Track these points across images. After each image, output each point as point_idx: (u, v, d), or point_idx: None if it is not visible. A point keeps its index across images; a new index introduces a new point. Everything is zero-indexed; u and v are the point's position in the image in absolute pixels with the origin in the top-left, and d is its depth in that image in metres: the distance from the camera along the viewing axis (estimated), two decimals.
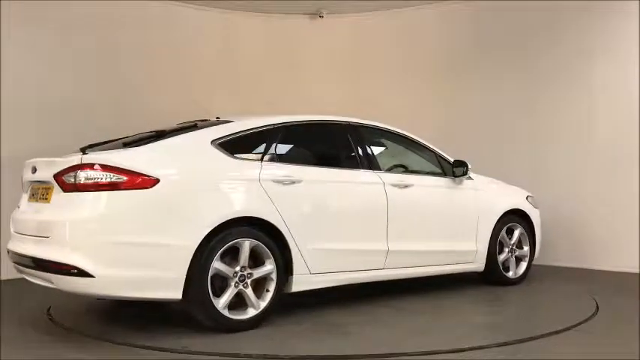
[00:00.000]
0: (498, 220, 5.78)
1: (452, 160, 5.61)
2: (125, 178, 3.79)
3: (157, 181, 3.84)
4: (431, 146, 5.63)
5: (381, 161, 5.22)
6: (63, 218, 3.80)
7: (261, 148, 4.52)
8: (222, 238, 4.02)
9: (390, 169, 5.32)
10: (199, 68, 7.95)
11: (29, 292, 5.75)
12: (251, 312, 4.15)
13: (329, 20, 8.40)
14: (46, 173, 4.06)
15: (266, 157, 4.47)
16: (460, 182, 5.58)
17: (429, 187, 5.43)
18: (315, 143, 5.10)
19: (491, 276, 5.83)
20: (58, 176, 3.92)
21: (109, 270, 3.68)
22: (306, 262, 4.45)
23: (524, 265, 6.04)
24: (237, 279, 4.09)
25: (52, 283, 3.86)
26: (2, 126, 6.44)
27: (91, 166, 3.80)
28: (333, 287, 4.76)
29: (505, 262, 5.89)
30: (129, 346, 3.85)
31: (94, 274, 3.64)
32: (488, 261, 5.71)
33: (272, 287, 4.24)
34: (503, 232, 5.84)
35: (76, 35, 7.01)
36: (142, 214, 3.81)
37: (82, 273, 3.64)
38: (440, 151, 5.66)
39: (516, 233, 5.97)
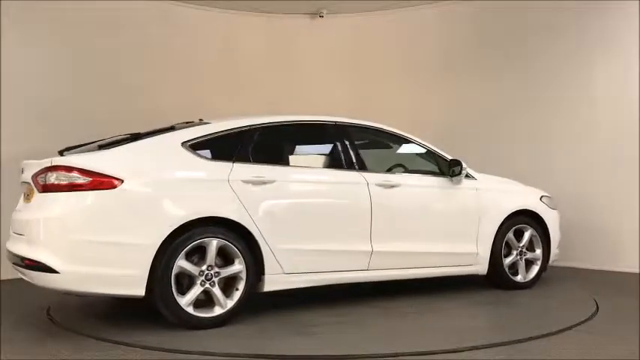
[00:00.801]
0: (504, 222, 5.56)
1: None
2: (90, 179, 3.96)
3: (121, 182, 4.00)
4: (429, 145, 5.54)
5: (368, 161, 5.17)
6: (34, 217, 4.05)
7: (235, 149, 4.56)
8: (187, 237, 4.12)
9: (378, 169, 5.24)
10: (199, 68, 7.95)
11: (29, 292, 5.73)
12: (218, 310, 4.22)
13: (329, 20, 8.40)
14: (28, 174, 4.27)
15: (239, 158, 4.52)
16: (458, 182, 5.41)
17: (420, 186, 5.32)
18: (295, 144, 5.19)
19: (497, 279, 5.60)
20: (34, 177, 4.16)
21: (74, 267, 3.87)
22: (280, 261, 4.48)
23: (535, 269, 5.76)
24: (203, 278, 4.17)
25: (30, 278, 4.09)
26: (2, 126, 6.44)
27: (58, 168, 4.01)
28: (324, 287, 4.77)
29: (514, 265, 5.67)
30: (129, 346, 3.85)
31: (58, 270, 3.84)
32: (493, 264, 5.51)
33: (241, 286, 4.30)
34: (511, 233, 5.62)
35: (75, 35, 7.02)
36: (106, 214, 3.97)
37: (49, 269, 3.85)
38: (439, 151, 5.55)
39: (526, 235, 5.72)
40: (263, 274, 4.44)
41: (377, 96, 8.27)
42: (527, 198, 5.88)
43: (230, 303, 4.26)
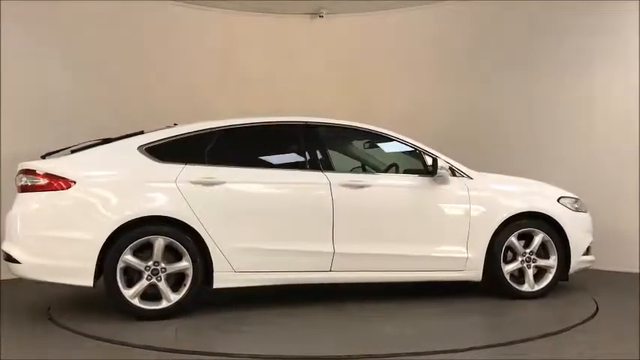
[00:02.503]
0: (504, 224, 5.17)
1: (447, 159, 5.26)
2: (47, 181, 4.46)
3: (74, 183, 4.44)
4: (416, 144, 5.27)
5: (337, 161, 5.14)
6: (8, 215, 4.58)
7: (191, 151, 4.80)
8: (133, 234, 4.45)
9: (350, 169, 5.17)
10: (199, 68, 7.95)
11: (29, 292, 5.75)
12: (164, 303, 4.50)
13: (329, 20, 8.40)
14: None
15: (194, 160, 4.73)
16: (444, 181, 5.11)
17: (395, 186, 5.12)
18: (257, 146, 5.17)
19: (498, 288, 5.23)
20: (15, 179, 4.67)
21: (32, 258, 4.41)
22: (229, 260, 4.64)
23: (548, 278, 5.26)
24: (149, 272, 4.47)
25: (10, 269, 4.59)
26: (2, 126, 6.43)
27: (26, 171, 4.55)
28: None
29: (522, 273, 5.23)
30: (128, 346, 3.86)
31: (20, 261, 4.42)
32: (490, 270, 5.12)
33: (188, 282, 4.54)
34: (514, 237, 5.20)
35: (75, 35, 7.02)
36: (58, 212, 4.46)
37: (15, 260, 4.43)
38: (428, 149, 5.25)
39: (536, 240, 5.24)
40: (212, 271, 4.63)
41: (377, 96, 8.27)
42: (536, 199, 5.37)
43: (176, 297, 4.51)
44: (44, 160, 4.70)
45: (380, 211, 5.01)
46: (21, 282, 5.69)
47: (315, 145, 5.09)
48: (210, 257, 4.60)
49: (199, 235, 4.57)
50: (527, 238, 5.29)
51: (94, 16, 7.12)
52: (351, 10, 8.27)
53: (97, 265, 4.37)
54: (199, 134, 4.87)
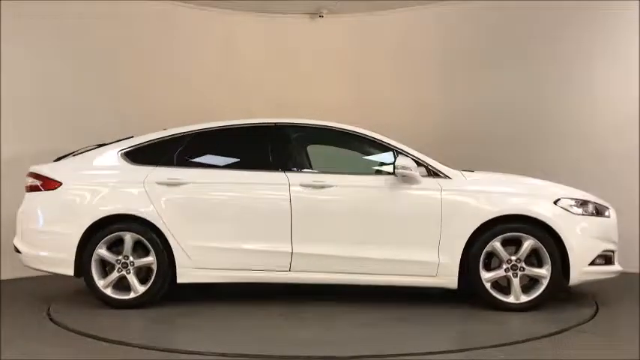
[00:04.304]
0: (483, 229, 4.75)
1: (424, 158, 5.02)
2: (41, 182, 5.12)
3: (60, 184, 5.05)
4: (391, 143, 5.06)
5: (303, 161, 5.17)
6: (17, 212, 5.22)
7: (161, 154, 5.16)
8: (106, 230, 4.95)
9: (318, 169, 5.14)
10: (199, 68, 7.95)
11: (29, 292, 5.75)
12: (132, 294, 4.93)
13: (329, 20, 8.40)
14: None
15: (164, 162, 5.11)
16: (413, 181, 4.85)
17: (359, 187, 4.96)
18: (223, 147, 5.32)
19: (479, 297, 4.84)
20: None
21: (29, 249, 5.12)
22: (189, 257, 4.93)
23: (539, 289, 4.75)
24: (120, 265, 4.93)
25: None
26: (2, 126, 6.43)
27: (30, 173, 5.22)
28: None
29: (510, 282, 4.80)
30: (128, 346, 3.86)
31: (21, 252, 5.15)
32: (469, 277, 4.78)
33: (153, 276, 4.92)
34: (497, 242, 4.75)
35: (75, 35, 7.01)
36: (47, 209, 5.11)
37: (18, 250, 5.17)
38: (407, 150, 5.03)
39: (525, 246, 4.74)
40: (174, 266, 4.94)
41: (376, 96, 8.26)
42: (523, 201, 4.85)
43: (143, 289, 4.90)
44: (42, 165, 5.26)
45: (341, 211, 4.94)
46: (21, 282, 5.80)
47: (282, 145, 5.15)
48: (172, 253, 4.92)
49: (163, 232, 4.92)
50: (518, 244, 4.81)
51: (94, 16, 7.10)
52: (351, 10, 8.26)
53: (76, 257, 4.92)
54: (172, 138, 5.23)
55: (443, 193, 4.84)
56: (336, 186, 4.94)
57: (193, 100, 7.69)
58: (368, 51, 8.45)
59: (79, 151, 5.35)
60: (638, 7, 6.71)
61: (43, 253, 5.06)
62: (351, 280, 4.95)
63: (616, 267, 5.01)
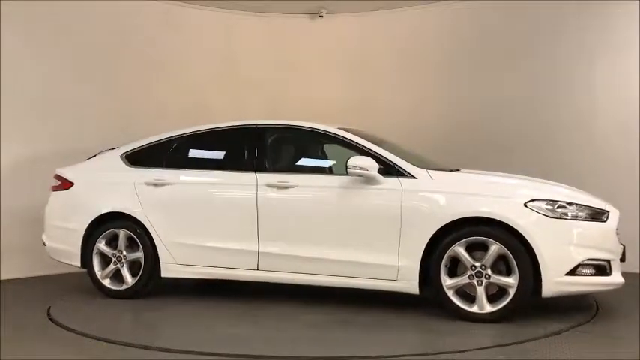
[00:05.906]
0: (443, 232, 4.47)
1: (390, 156, 4.81)
2: (60, 182, 5.70)
3: (72, 184, 5.61)
4: (363, 144, 4.88)
5: (271, 162, 5.17)
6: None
7: (154, 157, 5.55)
8: (103, 227, 5.41)
9: (281, 170, 5.14)
10: (199, 68, 7.94)
11: (29, 292, 5.77)
12: (124, 286, 5.32)
13: (329, 20, 8.40)
14: None
15: (154, 164, 5.49)
16: (374, 182, 4.67)
17: (320, 187, 4.94)
18: (206, 149, 5.65)
19: (442, 304, 4.52)
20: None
21: (50, 242, 5.72)
22: (171, 253, 5.24)
23: (506, 299, 4.34)
24: (115, 259, 5.35)
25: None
26: (2, 126, 6.42)
27: (55, 175, 5.77)
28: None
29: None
30: (128, 346, 3.86)
31: (46, 244, 5.75)
32: (430, 283, 4.52)
33: (141, 269, 5.27)
34: (460, 247, 4.41)
35: (75, 35, 7.00)
36: (62, 207, 5.69)
37: (44, 243, 5.76)
38: (380, 152, 4.83)
39: (490, 251, 4.35)
40: (159, 262, 5.27)
41: (376, 96, 8.25)
42: (487, 202, 4.46)
43: (133, 281, 5.28)
44: (64, 167, 5.79)
45: (304, 212, 4.93)
46: (21, 282, 5.84)
47: (258, 146, 5.21)
48: (156, 249, 5.26)
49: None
50: (482, 249, 4.44)
51: (93, 16, 7.10)
52: (351, 10, 8.26)
53: (82, 250, 5.43)
54: (165, 141, 5.56)
55: (403, 193, 4.62)
56: (298, 186, 4.94)
57: (193, 100, 7.70)
58: (368, 51, 8.44)
59: (97, 154, 5.85)
60: (638, 7, 6.71)
61: (59, 246, 5.63)
62: (315, 280, 4.89)
63: (612, 278, 4.52)
